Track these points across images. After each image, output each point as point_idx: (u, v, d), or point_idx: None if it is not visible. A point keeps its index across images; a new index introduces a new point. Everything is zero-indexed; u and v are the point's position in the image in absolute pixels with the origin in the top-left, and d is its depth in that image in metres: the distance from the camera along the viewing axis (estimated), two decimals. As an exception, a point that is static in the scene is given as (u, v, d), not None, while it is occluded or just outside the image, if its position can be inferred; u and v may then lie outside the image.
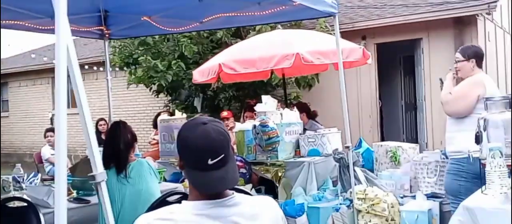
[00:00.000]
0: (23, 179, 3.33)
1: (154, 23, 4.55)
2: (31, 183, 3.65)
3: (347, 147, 4.12)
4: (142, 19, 4.49)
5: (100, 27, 4.71)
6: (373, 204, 4.05)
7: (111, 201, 2.18)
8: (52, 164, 7.35)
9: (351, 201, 4.19)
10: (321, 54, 5.46)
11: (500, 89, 4.11)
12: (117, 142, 3.15)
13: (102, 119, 8.91)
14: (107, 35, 4.85)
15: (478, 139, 2.65)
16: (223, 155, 1.49)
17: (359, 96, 9.41)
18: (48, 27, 4.21)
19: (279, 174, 4.99)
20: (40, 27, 4.27)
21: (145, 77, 9.00)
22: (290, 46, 5.49)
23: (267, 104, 5.29)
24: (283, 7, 3.97)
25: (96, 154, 1.85)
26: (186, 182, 5.11)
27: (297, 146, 5.28)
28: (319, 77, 8.78)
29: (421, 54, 9.01)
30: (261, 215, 1.59)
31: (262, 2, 3.90)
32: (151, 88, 9.82)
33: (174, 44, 8.74)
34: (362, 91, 9.47)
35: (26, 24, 4.18)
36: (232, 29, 8.48)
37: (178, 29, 4.99)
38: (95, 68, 11.74)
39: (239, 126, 5.63)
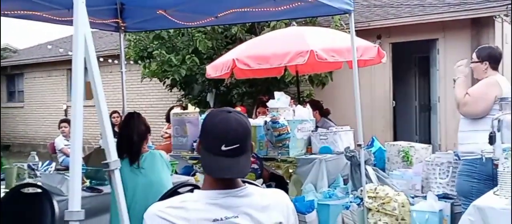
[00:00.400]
0: (37, 167, 3.39)
1: (170, 17, 4.58)
2: (45, 171, 3.71)
3: (359, 145, 4.11)
4: (157, 12, 4.52)
5: (116, 20, 4.75)
6: (384, 203, 4.04)
7: (123, 190, 2.20)
8: (65, 154, 7.43)
9: (362, 199, 4.18)
10: (335, 51, 5.45)
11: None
12: (130, 133, 3.19)
13: (115, 111, 9.00)
14: (122, 28, 4.89)
15: (492, 140, 2.63)
16: (238, 146, 1.52)
17: (372, 95, 9.37)
18: (65, 18, 4.26)
19: (290, 170, 4.99)
20: (57, 18, 4.32)
21: (159, 71, 9.07)
22: (304, 43, 5.49)
23: (280, 100, 5.29)
24: (298, 3, 3.97)
25: (111, 142, 1.88)
26: (198, 175, 5.15)
27: (309, 143, 5.28)
28: (333, 76, 8.76)
29: (437, 55, 8.94)
30: (271, 207, 1.60)
31: (277, -2, 3.91)
32: (164, 83, 9.89)
33: (189, 39, 8.79)
34: (376, 91, 9.43)
35: (43, 15, 4.23)
36: (247, 25, 8.49)
37: (193, 24, 5.01)
38: (110, 60, 11.84)
39: (251, 121, 5.64)
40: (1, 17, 4.06)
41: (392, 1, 9.92)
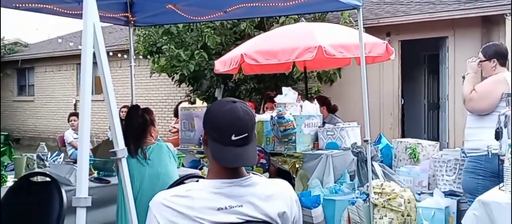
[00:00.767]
0: (47, 157, 3.44)
1: (179, 12, 4.59)
2: (54, 161, 3.76)
3: (366, 141, 4.11)
4: (167, 7, 4.53)
5: (126, 14, 4.78)
6: (390, 199, 4.03)
7: (131, 181, 2.23)
8: (75, 147, 7.50)
9: (368, 195, 4.18)
10: (343, 47, 5.44)
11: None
12: (127, 125, 3.22)
13: (125, 106, 9.05)
14: (132, 22, 4.91)
15: (498, 135, 2.63)
16: (246, 135, 1.54)
17: (381, 93, 9.35)
18: (76, 12, 4.29)
19: (297, 165, 5.00)
20: (68, 12, 4.35)
21: (168, 66, 9.11)
22: (312, 39, 5.49)
23: (287, 95, 5.30)
24: (307, -2, 3.97)
25: (118, 131, 1.90)
26: (204, 169, 5.18)
27: (316, 138, 5.28)
28: (341, 73, 8.75)
29: (446, 53, 8.89)
30: (275, 196, 1.62)
31: (286, -7, 3.92)
32: (173, 78, 9.93)
33: (198, 34, 8.82)
34: (385, 88, 9.40)
35: (54, 8, 4.26)
36: (256, 21, 8.50)
37: (202, 18, 5.03)
38: (119, 55, 11.91)
39: (258, 116, 5.66)
40: (13, 10, 4.10)
41: (402, -2, 9.89)
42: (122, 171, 1.93)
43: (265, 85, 8.92)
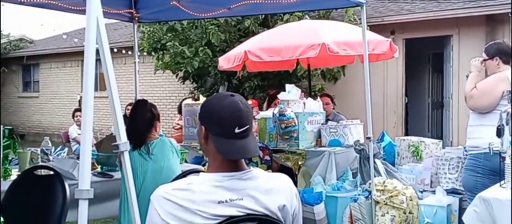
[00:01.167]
0: (50, 152, 3.46)
1: (183, 8, 4.61)
2: (58, 156, 3.78)
3: (368, 138, 4.11)
4: (171, 3, 4.55)
5: (130, 10, 4.80)
6: (392, 196, 4.04)
7: (134, 176, 2.24)
8: (79, 143, 7.54)
9: (370, 192, 4.19)
10: (347, 45, 5.44)
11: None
12: (136, 119, 3.24)
13: (130, 104, 9.07)
14: (136, 18, 4.94)
15: (500, 132, 2.63)
16: (248, 126, 1.57)
17: (385, 91, 9.34)
18: (80, 8, 4.31)
19: (299, 162, 5.01)
20: (71, 7, 4.38)
21: (172, 63, 9.13)
22: (316, 36, 5.49)
23: (291, 92, 5.31)
24: (311, -5, 3.98)
25: (121, 125, 1.92)
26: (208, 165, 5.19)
27: (319, 135, 5.29)
28: (345, 71, 8.74)
29: (451, 51, 8.87)
30: (275, 190, 1.63)
31: (290, -10, 3.92)
32: (177, 75, 9.95)
33: (202, 31, 8.83)
34: (388, 87, 9.39)
35: (58, 4, 4.28)
36: (260, 18, 8.50)
37: (206, 15, 5.05)
38: (123, 51, 11.95)
39: (261, 113, 5.67)
40: (20, 6, 4.12)
41: (407, -3, 9.86)
42: (124, 165, 1.95)
43: (269, 83, 8.92)
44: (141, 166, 3.15)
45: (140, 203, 2.10)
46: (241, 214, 1.54)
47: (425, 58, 10.64)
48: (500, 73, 3.44)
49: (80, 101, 14.84)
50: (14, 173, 3.36)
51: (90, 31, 1.77)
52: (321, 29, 5.84)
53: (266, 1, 4.31)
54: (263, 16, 8.42)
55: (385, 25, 8.97)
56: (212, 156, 1.62)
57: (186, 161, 4.65)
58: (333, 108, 6.32)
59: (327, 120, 5.66)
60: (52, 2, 4.24)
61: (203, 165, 5.13)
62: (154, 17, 5.56)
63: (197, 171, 2.91)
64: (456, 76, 8.69)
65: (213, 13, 4.95)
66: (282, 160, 5.16)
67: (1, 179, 3.07)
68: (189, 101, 6.48)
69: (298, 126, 4.97)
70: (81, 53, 14.37)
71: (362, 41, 4.25)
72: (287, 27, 6.62)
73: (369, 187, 4.23)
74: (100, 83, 12.69)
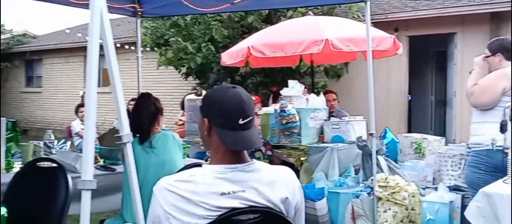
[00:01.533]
0: (53, 145, 3.47)
1: (186, 3, 4.59)
2: (61, 149, 3.79)
3: (371, 134, 4.11)
4: (174, -2, 4.55)
5: (133, 5, 4.79)
6: (394, 192, 4.04)
7: (136, 169, 2.24)
8: (82, 137, 7.55)
9: (372, 188, 4.18)
10: (350, 41, 5.43)
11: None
12: (140, 112, 3.24)
13: (133, 99, 9.07)
14: (139, 13, 4.93)
15: (503, 128, 2.62)
16: (251, 118, 1.58)
17: (388, 89, 9.32)
18: (83, 1, 4.31)
19: (302, 158, 5.01)
20: (75, 1, 4.38)
21: (175, 59, 9.13)
22: (319, 32, 5.48)
23: (294, 88, 5.30)
24: (315, -9, 3.97)
25: (124, 117, 1.92)
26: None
27: (321, 131, 5.29)
28: (348, 68, 8.73)
29: (454, 49, 8.85)
30: (278, 182, 1.63)
31: (293, -15, 3.91)
32: (180, 71, 9.95)
33: (205, 27, 8.83)
34: (392, 84, 9.38)
35: (62, -2, 4.30)
36: (263, 14, 8.49)
37: (209, 10, 5.02)
38: (126, 47, 11.95)
39: (263, 109, 5.68)
40: (24, 0, 4.13)
41: (411, -6, 9.84)
42: (127, 157, 1.95)
43: (272, 79, 8.92)
44: (144, 160, 3.15)
45: (142, 196, 2.11)
46: (244, 206, 1.55)
47: (429, 55, 10.61)
48: (501, 70, 3.43)
49: (83, 97, 14.88)
50: (17, 166, 3.37)
51: (93, 26, 1.77)
52: (325, 25, 5.83)
53: (270, -4, 4.31)
54: (267, 12, 8.41)
55: (389, 22, 8.96)
56: (214, 148, 1.62)
57: (188, 156, 4.65)
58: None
59: (330, 116, 5.66)
60: (55, -4, 4.25)
61: (206, 161, 5.14)
62: (157, 12, 5.55)
63: (200, 165, 2.93)
64: (459, 74, 8.67)
65: (216, 8, 4.92)
66: (285, 155, 5.16)
67: (4, 171, 3.08)
68: (192, 96, 6.49)
69: (300, 122, 4.97)
70: (84, 49, 14.20)
71: (366, 37, 4.23)
72: (290, 23, 6.61)
73: (371, 183, 4.22)
74: (103, 79, 12.69)
